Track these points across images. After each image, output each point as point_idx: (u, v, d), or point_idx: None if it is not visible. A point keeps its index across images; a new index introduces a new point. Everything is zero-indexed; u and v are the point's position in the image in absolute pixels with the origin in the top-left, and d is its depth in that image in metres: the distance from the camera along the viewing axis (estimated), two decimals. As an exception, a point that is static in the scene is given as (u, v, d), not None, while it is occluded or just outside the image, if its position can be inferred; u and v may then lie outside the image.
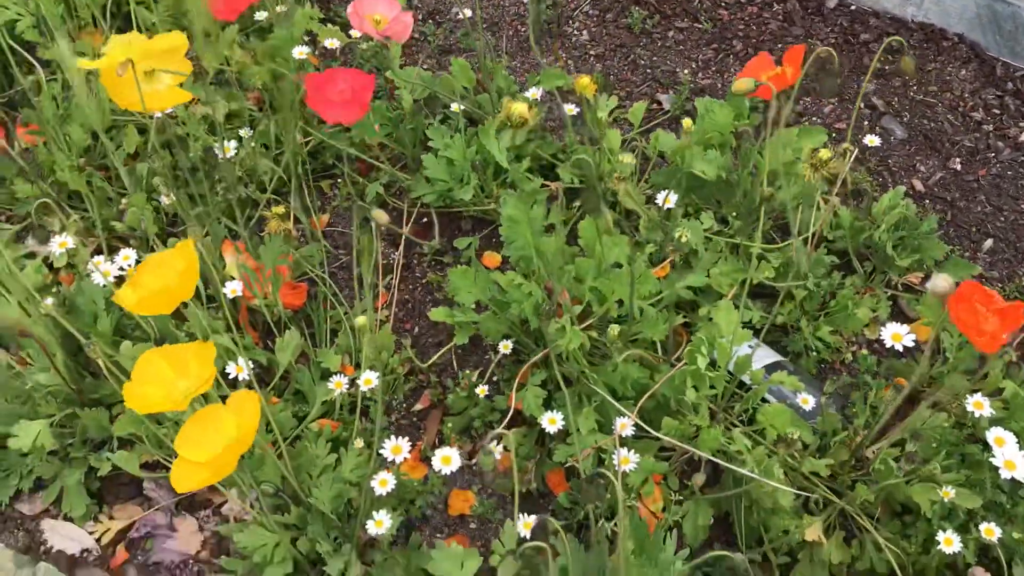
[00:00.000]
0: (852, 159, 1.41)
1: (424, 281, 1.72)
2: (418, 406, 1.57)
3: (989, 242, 1.76)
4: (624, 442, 1.37)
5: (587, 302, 1.48)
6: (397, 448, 1.36)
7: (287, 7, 1.80)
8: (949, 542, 1.25)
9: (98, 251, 1.67)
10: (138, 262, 1.49)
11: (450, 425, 1.50)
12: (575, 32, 2.15)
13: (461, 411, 1.52)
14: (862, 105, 1.97)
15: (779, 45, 2.10)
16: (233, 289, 1.51)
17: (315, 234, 1.73)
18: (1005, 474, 1.24)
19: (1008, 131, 1.93)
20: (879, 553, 1.32)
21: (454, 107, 1.75)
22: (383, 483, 1.29)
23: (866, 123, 1.94)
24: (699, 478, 1.36)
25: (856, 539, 1.36)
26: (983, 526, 1.26)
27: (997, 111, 1.97)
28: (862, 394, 1.47)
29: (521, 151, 1.71)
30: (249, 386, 1.37)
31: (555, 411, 1.40)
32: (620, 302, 1.47)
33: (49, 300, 1.40)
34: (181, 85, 1.33)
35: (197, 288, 1.51)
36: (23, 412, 1.45)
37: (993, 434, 1.27)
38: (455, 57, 1.85)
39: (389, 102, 1.84)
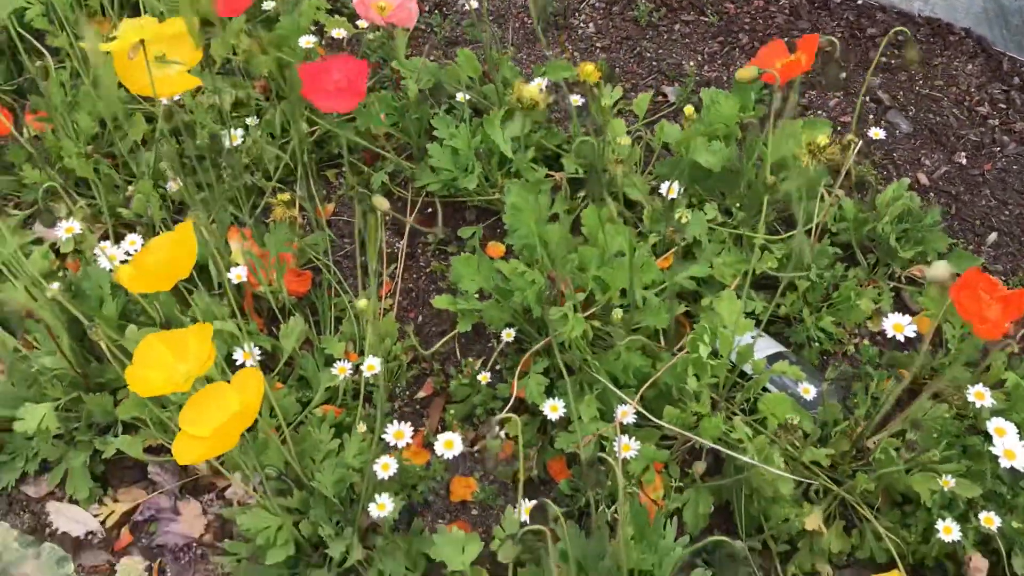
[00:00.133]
0: (856, 152, 1.41)
1: (428, 270, 1.73)
2: (421, 393, 1.58)
3: (993, 236, 1.76)
4: (625, 430, 1.37)
5: (590, 291, 1.48)
6: (400, 433, 1.37)
7: (294, -4, 1.80)
8: (948, 531, 1.25)
9: (104, 237, 1.68)
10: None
11: (452, 412, 1.50)
12: (581, 24, 2.15)
13: (464, 399, 1.53)
14: (867, 99, 1.97)
15: (785, 39, 2.08)
16: (238, 275, 1.52)
17: (320, 222, 1.73)
18: (1005, 463, 1.24)
19: (1014, 125, 1.93)
20: (879, 542, 1.33)
21: (459, 97, 1.76)
22: (385, 467, 1.30)
23: (871, 116, 1.94)
24: (700, 466, 1.36)
25: (856, 528, 1.37)
26: (983, 515, 1.26)
27: (1003, 105, 1.97)
28: (863, 384, 1.47)
29: (526, 141, 1.72)
30: (253, 371, 1.37)
31: (557, 399, 1.41)
32: (623, 291, 1.48)
33: (55, 285, 1.41)
34: (190, 71, 1.34)
35: (203, 274, 1.52)
36: (29, 395, 1.47)
37: (994, 424, 1.27)
38: (461, 48, 1.85)
39: (395, 92, 1.84)
